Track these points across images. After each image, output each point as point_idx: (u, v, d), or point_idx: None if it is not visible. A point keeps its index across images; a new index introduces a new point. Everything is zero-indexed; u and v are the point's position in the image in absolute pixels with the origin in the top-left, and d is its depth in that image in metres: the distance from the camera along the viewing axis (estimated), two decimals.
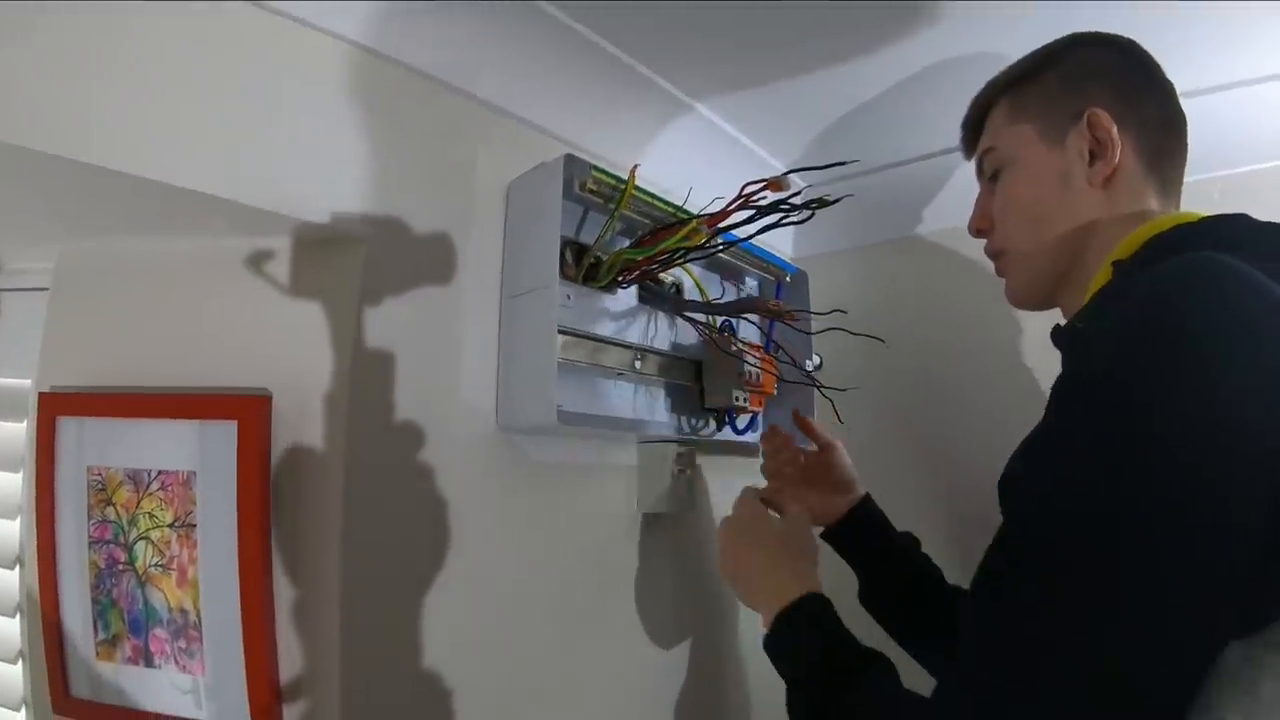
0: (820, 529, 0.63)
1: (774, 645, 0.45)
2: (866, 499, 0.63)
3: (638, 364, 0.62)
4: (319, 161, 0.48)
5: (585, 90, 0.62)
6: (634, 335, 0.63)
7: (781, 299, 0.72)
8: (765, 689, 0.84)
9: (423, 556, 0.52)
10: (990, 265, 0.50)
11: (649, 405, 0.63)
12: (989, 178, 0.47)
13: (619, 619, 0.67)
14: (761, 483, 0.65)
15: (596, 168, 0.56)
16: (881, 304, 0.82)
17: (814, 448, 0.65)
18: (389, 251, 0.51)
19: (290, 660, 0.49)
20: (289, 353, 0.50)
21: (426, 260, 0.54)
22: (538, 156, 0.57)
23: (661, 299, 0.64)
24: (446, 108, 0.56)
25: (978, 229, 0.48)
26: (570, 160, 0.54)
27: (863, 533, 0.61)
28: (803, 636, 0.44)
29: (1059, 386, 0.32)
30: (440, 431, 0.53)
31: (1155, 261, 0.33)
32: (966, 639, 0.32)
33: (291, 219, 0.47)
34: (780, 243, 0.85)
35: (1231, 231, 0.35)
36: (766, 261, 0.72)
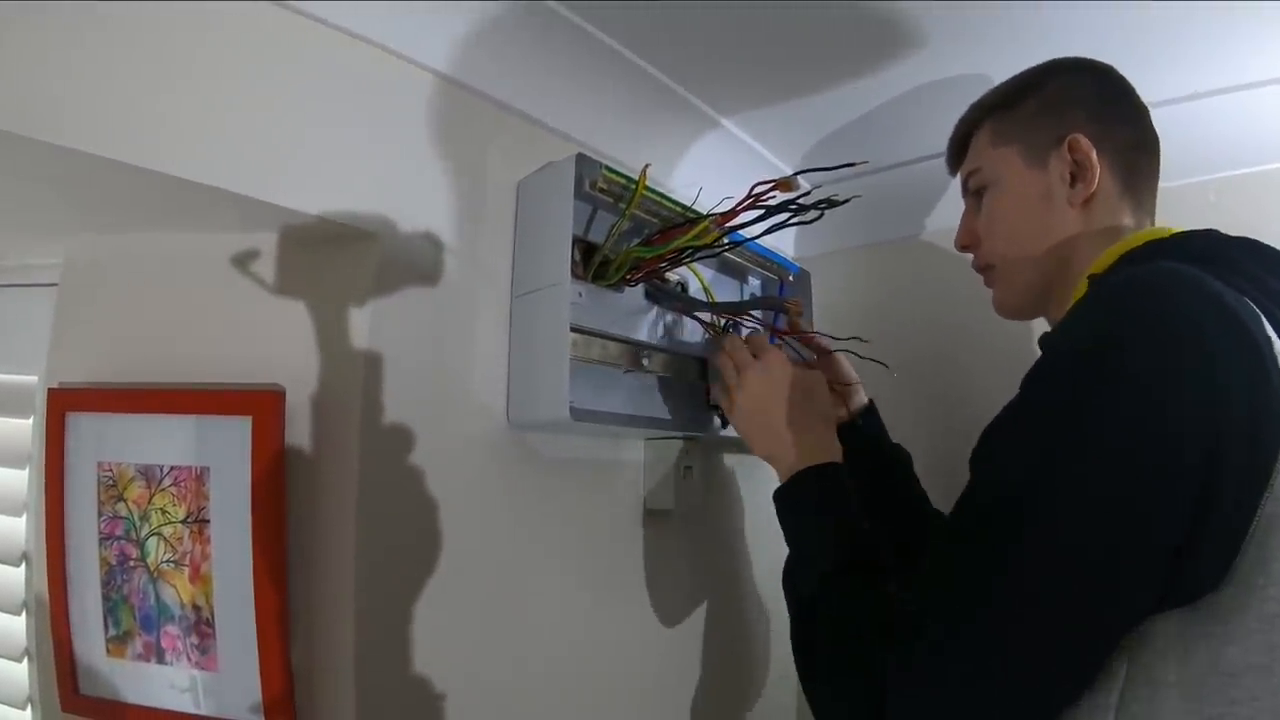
0: None
1: (787, 501, 0.49)
2: (869, 408, 0.64)
3: (645, 361, 0.62)
4: (333, 157, 0.49)
5: (599, 92, 0.63)
6: (641, 333, 0.64)
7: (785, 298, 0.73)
8: (774, 683, 0.85)
9: (435, 551, 0.52)
10: None
11: (655, 402, 0.64)
12: (973, 195, 0.50)
13: (626, 613, 0.67)
14: None
15: (607, 167, 0.56)
16: (883, 304, 0.83)
17: (813, 357, 0.66)
18: (401, 247, 0.52)
19: (303, 655, 0.49)
20: (302, 349, 0.51)
21: (438, 257, 0.54)
22: (546, 156, 0.58)
23: (668, 297, 0.65)
24: (459, 106, 0.57)
25: (963, 245, 0.51)
26: (581, 159, 0.55)
27: (858, 441, 0.61)
28: (814, 506, 0.47)
29: (1025, 378, 0.36)
30: (452, 428, 0.54)
31: None
32: (922, 575, 0.36)
33: (304, 214, 0.47)
34: (782, 243, 0.86)
35: (1198, 245, 0.38)
36: (770, 260, 0.73)
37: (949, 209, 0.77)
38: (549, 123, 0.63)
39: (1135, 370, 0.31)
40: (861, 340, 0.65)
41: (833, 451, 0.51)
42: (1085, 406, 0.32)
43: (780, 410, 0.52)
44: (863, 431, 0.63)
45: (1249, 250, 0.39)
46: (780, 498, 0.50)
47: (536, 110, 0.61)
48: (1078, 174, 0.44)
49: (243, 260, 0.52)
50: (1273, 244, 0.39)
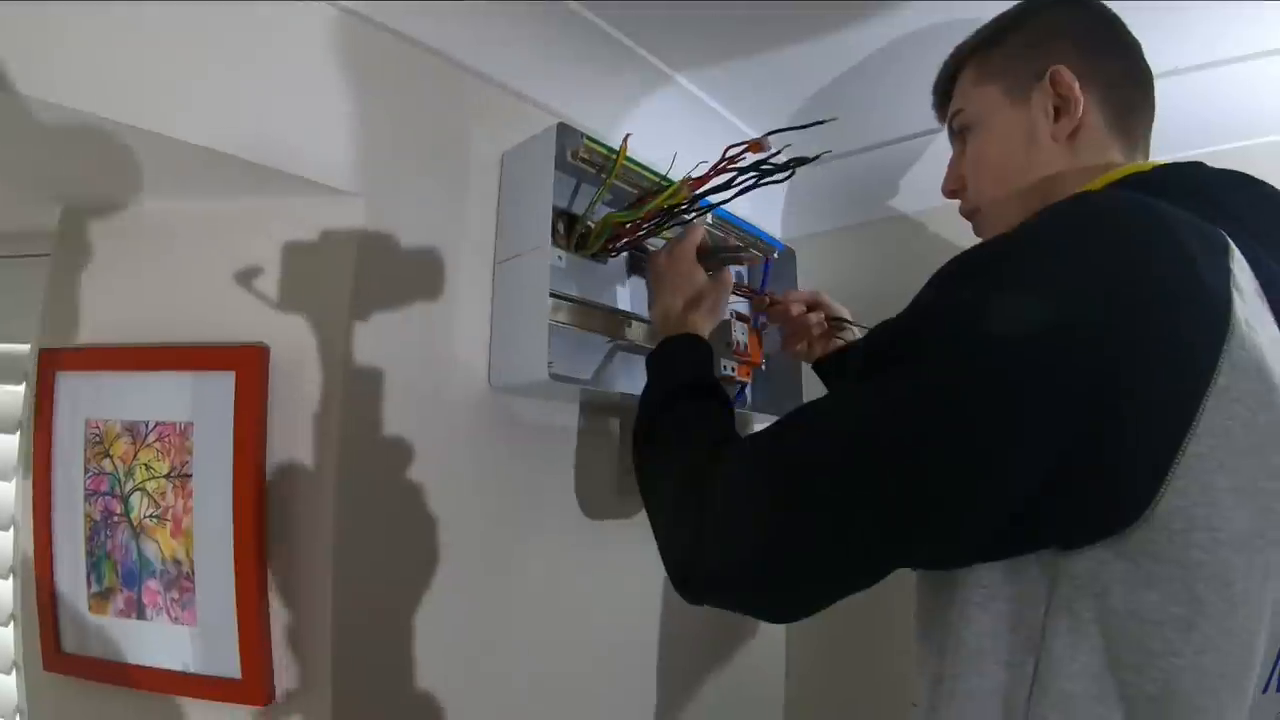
0: (813, 362, 0.69)
1: (653, 357, 0.52)
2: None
3: (627, 330, 0.63)
4: (320, 122, 0.50)
5: (577, 65, 0.65)
6: (624, 302, 0.65)
7: (768, 276, 0.75)
8: (761, 637, 0.85)
9: (415, 510, 0.53)
10: (973, 243, 0.51)
11: (637, 371, 0.65)
12: (958, 137, 0.49)
13: (608, 574, 0.68)
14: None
15: (589, 138, 0.58)
16: (869, 284, 0.83)
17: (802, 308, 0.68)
18: (386, 211, 0.53)
19: (282, 611, 0.50)
20: (287, 308, 0.52)
21: (422, 222, 0.55)
22: (531, 129, 0.60)
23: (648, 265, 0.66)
24: (445, 78, 0.58)
25: (950, 190, 0.50)
26: (563, 129, 0.56)
27: (843, 369, 0.65)
28: (682, 358, 0.51)
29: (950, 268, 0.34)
30: (433, 389, 0.55)
31: None
32: (795, 413, 0.37)
33: (292, 175, 0.49)
34: (769, 224, 0.87)
35: (1179, 178, 0.37)
36: (754, 237, 0.74)
37: (930, 188, 0.77)
38: (534, 97, 0.64)
39: (1026, 283, 0.30)
40: (849, 323, 0.67)
41: (702, 331, 0.54)
42: (960, 313, 0.31)
43: (676, 292, 0.55)
44: (849, 358, 0.66)
45: (1238, 184, 0.37)
46: (647, 358, 0.53)
47: (521, 84, 0.63)
48: (1061, 107, 0.42)
49: (230, 223, 0.53)
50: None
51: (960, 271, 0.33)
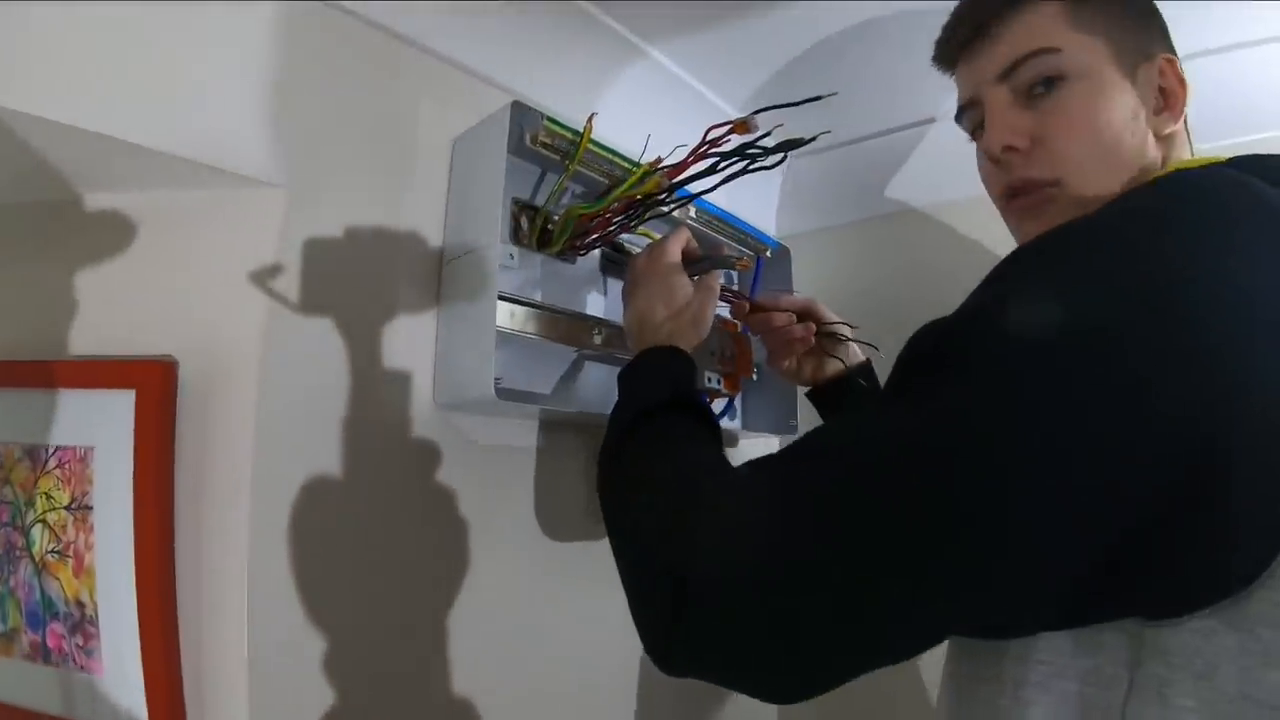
0: (808, 388, 0.61)
1: (627, 371, 0.45)
2: (861, 369, 0.59)
3: (597, 338, 0.56)
4: (235, 102, 0.44)
5: (537, 39, 0.57)
6: (594, 307, 0.57)
7: (760, 276, 0.66)
8: (740, 702, 0.77)
9: (343, 542, 0.47)
10: (987, 240, 0.44)
11: (608, 385, 0.58)
12: (1023, 87, 0.37)
13: (570, 616, 0.61)
14: None
15: (550, 118, 0.51)
16: (868, 283, 0.76)
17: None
18: (314, 204, 0.46)
19: (193, 659, 0.44)
20: (199, 317, 0.46)
21: (358, 217, 0.49)
22: (488, 111, 0.52)
23: (625, 268, 0.59)
24: (386, 53, 0.51)
25: (1007, 145, 0.36)
26: (519, 109, 0.49)
27: (841, 401, 0.58)
28: (659, 373, 0.44)
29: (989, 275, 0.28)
30: (368, 406, 0.48)
31: None
32: (807, 437, 0.30)
33: (202, 165, 0.42)
34: (762, 220, 0.79)
35: (1260, 169, 0.30)
36: (745, 234, 0.66)
37: (935, 181, 0.69)
38: (490, 75, 0.57)
39: (1118, 285, 0.24)
40: (851, 326, 0.59)
41: (684, 345, 0.46)
42: (1034, 321, 0.25)
43: (652, 303, 0.47)
44: (851, 392, 0.58)
45: None
46: (621, 373, 0.45)
47: (475, 61, 0.56)
48: (1168, 102, 0.36)
49: (135, 220, 0.47)
50: None
51: (1023, 266, 0.27)
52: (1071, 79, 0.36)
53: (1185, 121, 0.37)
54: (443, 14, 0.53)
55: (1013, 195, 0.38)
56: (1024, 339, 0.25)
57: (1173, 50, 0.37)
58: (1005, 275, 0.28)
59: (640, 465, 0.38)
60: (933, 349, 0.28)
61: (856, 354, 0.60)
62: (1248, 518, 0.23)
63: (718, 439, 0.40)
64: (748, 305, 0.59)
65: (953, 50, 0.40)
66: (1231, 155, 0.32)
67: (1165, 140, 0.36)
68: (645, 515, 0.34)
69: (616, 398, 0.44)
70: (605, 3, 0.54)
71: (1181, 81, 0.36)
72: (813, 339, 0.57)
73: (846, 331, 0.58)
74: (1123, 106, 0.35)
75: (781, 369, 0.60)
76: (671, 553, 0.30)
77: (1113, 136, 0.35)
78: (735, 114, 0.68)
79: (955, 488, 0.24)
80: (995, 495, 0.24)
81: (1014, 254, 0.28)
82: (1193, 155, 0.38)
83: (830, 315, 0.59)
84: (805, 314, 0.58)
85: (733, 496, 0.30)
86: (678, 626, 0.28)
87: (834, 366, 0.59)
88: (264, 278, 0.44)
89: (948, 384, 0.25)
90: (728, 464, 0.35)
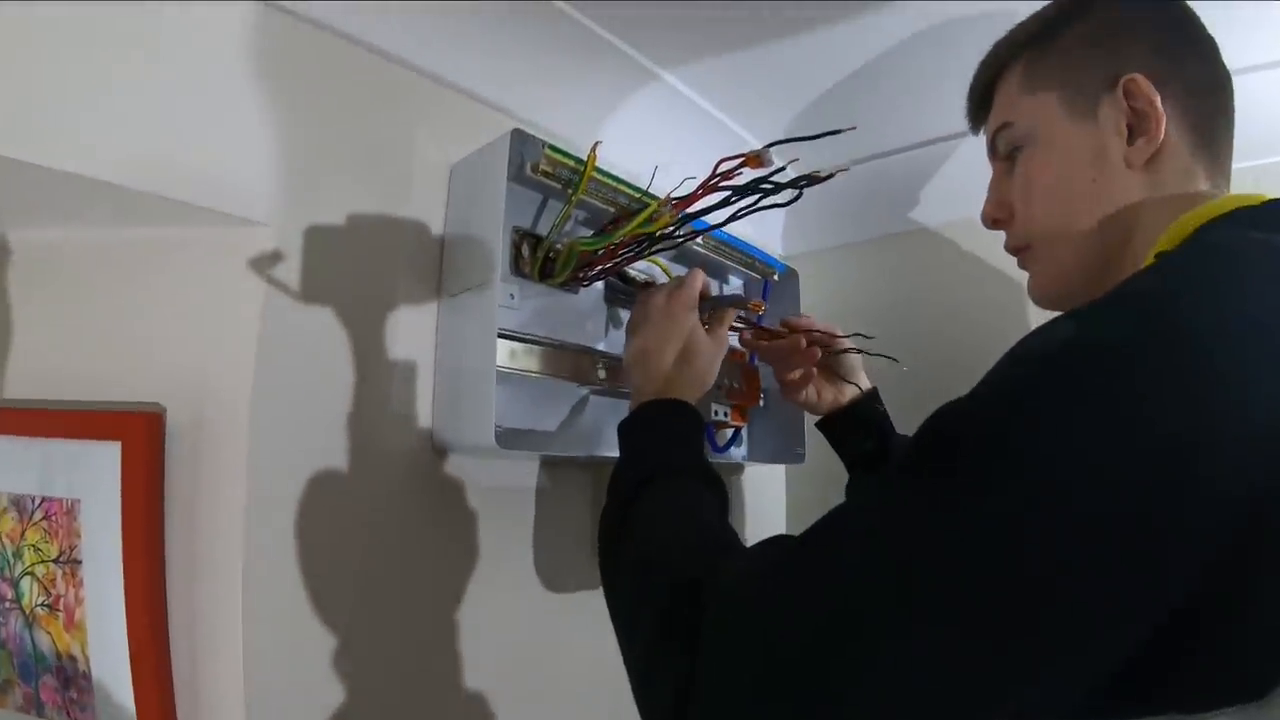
0: (818, 417, 0.60)
1: (630, 425, 0.43)
2: (871, 395, 0.60)
3: (600, 373, 0.54)
4: (220, 137, 0.41)
5: (542, 61, 0.55)
6: (596, 339, 0.55)
7: (767, 299, 0.64)
8: None
9: (341, 594, 0.45)
10: (997, 259, 0.42)
11: (612, 421, 0.56)
12: (1004, 157, 0.39)
13: (575, 662, 0.59)
14: None
15: (552, 146, 0.48)
16: (878, 303, 0.74)
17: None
18: (306, 241, 0.44)
19: (190, 711, 0.42)
20: (187, 361, 0.44)
21: (351, 252, 0.47)
22: (488, 138, 0.50)
23: (631, 299, 0.56)
24: (378, 77, 0.49)
25: (993, 219, 0.40)
26: (519, 136, 0.47)
27: (857, 428, 0.58)
28: (664, 430, 0.42)
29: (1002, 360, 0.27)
30: (365, 450, 0.46)
31: None
32: (827, 520, 0.28)
33: (186, 204, 0.40)
34: (769, 240, 0.77)
35: None
36: (752, 257, 0.64)
37: (948, 199, 0.67)
38: (496, 101, 0.55)
39: (1142, 389, 0.22)
40: (865, 336, 0.57)
41: (690, 397, 0.45)
42: (1053, 430, 0.23)
43: (662, 351, 0.45)
44: (860, 419, 0.58)
45: None
46: (621, 425, 0.43)
47: (474, 84, 0.53)
48: (1137, 125, 0.34)
49: (119, 261, 0.45)
50: None
51: (1055, 357, 0.25)
52: (1025, 146, 0.38)
53: (1200, 140, 0.34)
54: (439, 34, 0.50)
55: (1012, 254, 0.41)
56: (1056, 440, 0.23)
57: (1155, 59, 0.34)
58: (1033, 363, 0.26)
59: (644, 545, 0.35)
60: (960, 438, 0.25)
61: (865, 380, 0.59)
62: (1273, 618, 0.22)
63: (725, 507, 0.38)
64: (767, 335, 0.57)
65: (970, 122, 0.43)
66: (1264, 199, 0.30)
67: (1151, 165, 0.34)
68: (651, 599, 0.32)
69: (620, 452, 0.42)
70: (588, 12, 0.51)
71: (1152, 97, 0.33)
72: (818, 354, 0.55)
73: (855, 349, 0.57)
74: (1078, 157, 0.35)
75: (799, 400, 0.58)
76: (675, 645, 0.28)
77: (1071, 193, 0.35)
78: (743, 134, 0.66)
79: (988, 595, 0.22)
80: (1027, 597, 0.22)
81: (1042, 339, 0.26)
82: (1227, 185, 0.35)
83: (841, 337, 0.58)
84: (825, 338, 0.57)
85: (743, 589, 0.27)
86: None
87: (848, 393, 0.58)
88: (252, 320, 0.42)
89: (978, 479, 0.24)
90: (739, 544, 0.33)
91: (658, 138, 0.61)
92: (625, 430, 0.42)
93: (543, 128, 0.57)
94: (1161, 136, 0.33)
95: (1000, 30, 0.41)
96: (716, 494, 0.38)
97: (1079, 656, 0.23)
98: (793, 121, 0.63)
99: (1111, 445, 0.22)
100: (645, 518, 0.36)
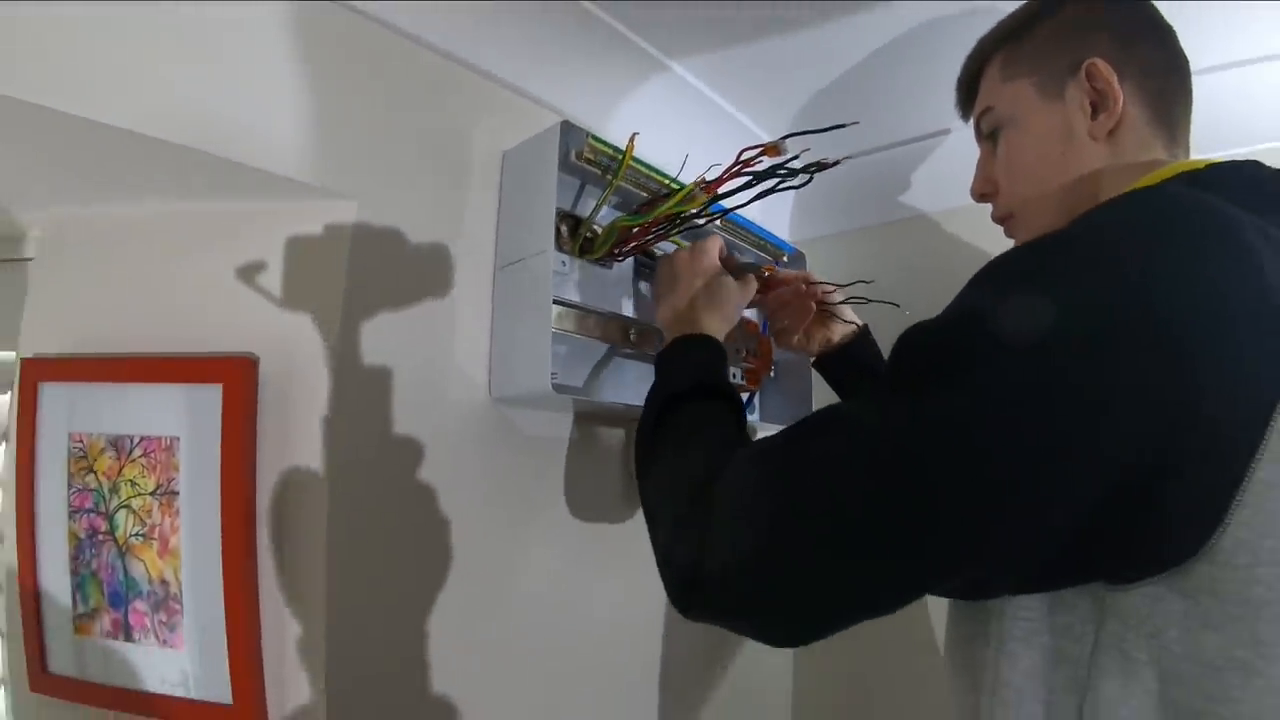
0: (813, 358, 0.66)
1: (665, 355, 0.49)
2: (863, 333, 0.65)
3: (632, 335, 0.61)
4: (311, 121, 0.48)
5: (578, 59, 0.62)
6: (627, 308, 0.62)
7: None
8: (761, 662, 0.83)
9: (411, 525, 0.51)
10: (986, 242, 0.49)
11: (638, 381, 0.62)
12: (987, 138, 0.46)
13: (612, 587, 0.65)
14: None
15: (593, 136, 0.55)
16: (880, 286, 0.81)
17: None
18: (380, 213, 0.51)
19: (274, 634, 0.48)
20: (276, 317, 0.49)
21: (418, 224, 0.53)
22: (531, 126, 0.57)
23: (655, 272, 0.63)
24: (441, 74, 0.56)
25: (980, 193, 0.47)
26: (567, 128, 0.53)
27: (852, 366, 0.63)
28: (693, 358, 0.48)
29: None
30: (431, 400, 0.52)
31: None
32: (810, 419, 0.33)
33: (280, 176, 0.46)
34: (777, 226, 0.84)
35: (1238, 177, 0.33)
36: (763, 240, 0.71)
37: (946, 188, 0.75)
38: (538, 95, 0.62)
39: (1078, 287, 0.26)
40: (865, 282, 0.63)
41: (718, 335, 0.51)
42: (1005, 322, 0.27)
43: (688, 296, 0.52)
44: (855, 357, 0.63)
45: None
46: (658, 356, 0.50)
47: (522, 81, 0.60)
48: (1099, 103, 0.39)
49: (216, 228, 0.51)
50: None
51: (1003, 276, 0.30)
52: (1006, 127, 0.44)
53: (1156, 115, 0.39)
54: (490, 35, 0.57)
55: (999, 223, 0.47)
56: (1001, 343, 0.27)
57: (1113, 46, 0.39)
58: (985, 282, 0.30)
59: (672, 444, 0.42)
60: (921, 347, 0.30)
61: (853, 318, 0.65)
62: (1191, 491, 0.26)
63: (742, 421, 0.44)
64: (765, 273, 0.62)
65: (959, 109, 0.50)
66: (1209, 162, 0.35)
67: (1113, 137, 0.39)
68: (673, 488, 0.38)
69: (654, 379, 0.49)
70: (607, 9, 0.57)
71: (1109, 78, 0.38)
72: (814, 305, 0.61)
73: (838, 295, 0.63)
74: (1050, 133, 0.41)
75: (792, 344, 0.64)
76: (692, 522, 0.34)
77: (1048, 167, 0.41)
78: (754, 128, 0.74)
79: (942, 476, 0.27)
80: (978, 483, 0.26)
81: (993, 263, 0.31)
82: (1186, 154, 0.41)
83: (822, 281, 0.63)
84: (803, 284, 0.63)
85: (746, 469, 0.33)
86: (696, 583, 0.32)
87: (839, 332, 0.63)
88: (338, 281, 0.48)
89: (936, 382, 0.28)
90: (748, 440, 0.39)
91: (670, 125, 0.68)
92: (660, 359, 0.49)
93: (578, 119, 0.64)
94: (1120, 112, 0.38)
95: (985, 25, 0.47)
96: (734, 409, 0.44)
97: (1010, 538, 0.27)
98: (798, 113, 0.70)
99: (1045, 352, 0.26)
100: (674, 425, 0.43)
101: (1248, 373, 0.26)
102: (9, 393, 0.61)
